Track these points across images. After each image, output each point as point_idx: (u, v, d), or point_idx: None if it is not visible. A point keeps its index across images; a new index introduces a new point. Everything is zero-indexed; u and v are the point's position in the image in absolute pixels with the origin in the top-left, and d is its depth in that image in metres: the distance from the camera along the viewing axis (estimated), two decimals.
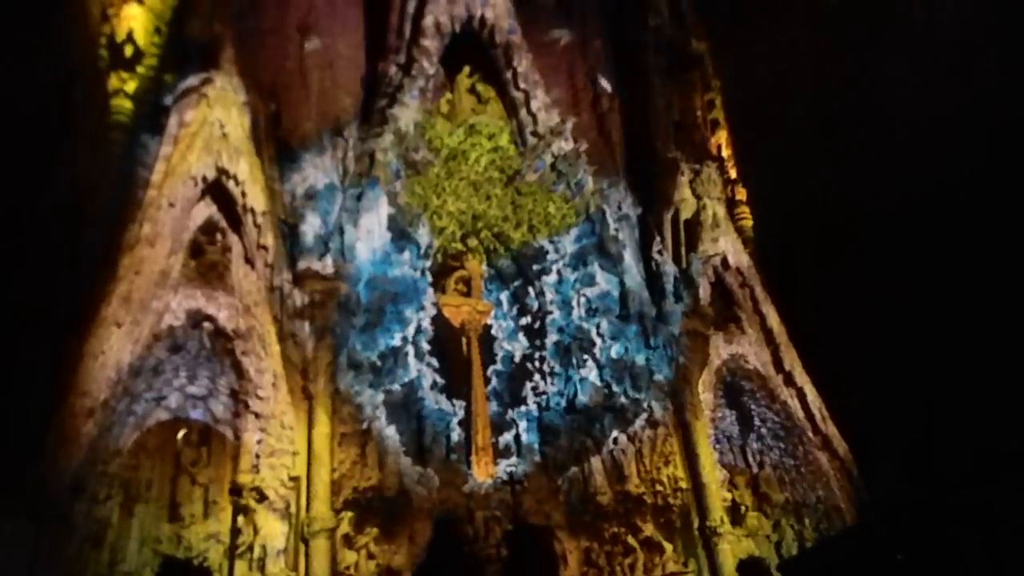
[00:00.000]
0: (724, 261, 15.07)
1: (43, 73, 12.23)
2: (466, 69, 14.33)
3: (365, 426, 11.76)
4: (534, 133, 14.24)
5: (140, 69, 12.28)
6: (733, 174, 16.80)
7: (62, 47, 12.65)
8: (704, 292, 14.76)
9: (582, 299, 14.33)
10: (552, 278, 14.64)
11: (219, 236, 11.60)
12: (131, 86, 12.13)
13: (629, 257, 14.38)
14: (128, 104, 12.11)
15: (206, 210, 11.55)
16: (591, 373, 13.91)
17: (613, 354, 13.84)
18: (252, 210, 11.57)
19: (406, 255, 13.17)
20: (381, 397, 12.19)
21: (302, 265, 11.93)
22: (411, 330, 13.08)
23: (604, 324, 14.08)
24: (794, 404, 14.81)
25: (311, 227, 12.15)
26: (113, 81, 12.12)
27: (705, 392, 14.14)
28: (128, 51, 12.29)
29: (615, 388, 13.69)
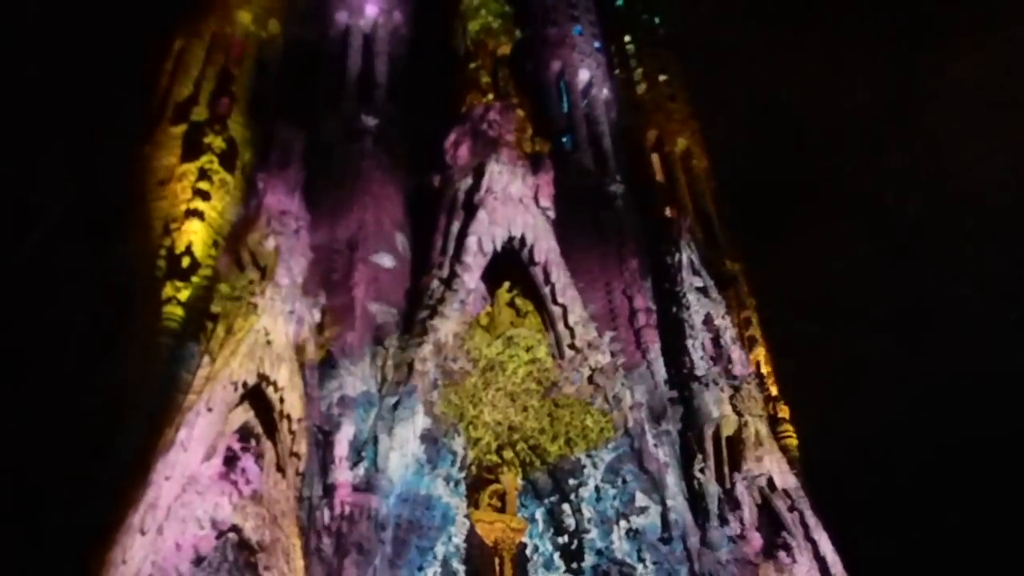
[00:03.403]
0: (770, 482, 14.49)
1: (101, 280, 12.84)
2: (506, 284, 14.74)
3: None
4: (572, 346, 14.35)
5: (195, 279, 12.86)
6: (774, 391, 16.59)
7: (122, 257, 13.37)
8: (750, 515, 14.06)
9: (622, 521, 13.72)
10: (589, 493, 14.12)
11: (253, 442, 11.51)
12: (184, 294, 12.65)
13: (670, 475, 13.91)
14: (180, 311, 12.56)
15: (243, 415, 11.57)
16: None
17: None
18: (288, 416, 11.52)
19: (440, 467, 12.87)
20: None
21: (333, 475, 11.68)
22: (441, 550, 12.53)
23: (645, 549, 13.37)
24: None
25: (345, 436, 12.01)
26: (168, 289, 12.67)
27: None
28: (185, 262, 12.97)
29: None
